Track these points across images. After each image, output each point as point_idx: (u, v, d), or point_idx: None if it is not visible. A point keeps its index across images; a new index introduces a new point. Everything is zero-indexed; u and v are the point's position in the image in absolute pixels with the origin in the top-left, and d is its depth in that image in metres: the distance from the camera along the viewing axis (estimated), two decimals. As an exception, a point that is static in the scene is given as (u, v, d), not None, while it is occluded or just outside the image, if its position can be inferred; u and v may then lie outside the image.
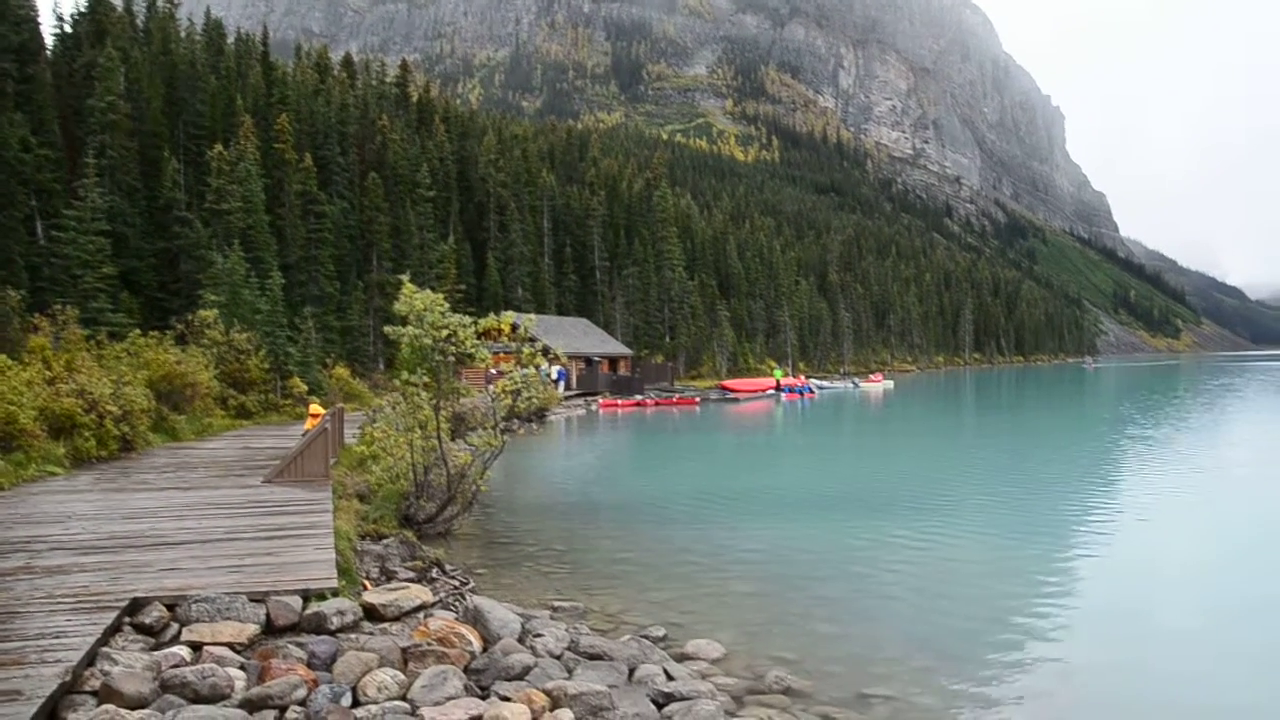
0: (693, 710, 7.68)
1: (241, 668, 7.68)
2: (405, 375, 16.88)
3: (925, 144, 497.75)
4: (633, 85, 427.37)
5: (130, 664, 7.29)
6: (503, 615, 9.78)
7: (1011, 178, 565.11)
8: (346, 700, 7.33)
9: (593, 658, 9.25)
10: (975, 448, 37.23)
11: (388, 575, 12.26)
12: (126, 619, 8.40)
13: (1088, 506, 20.91)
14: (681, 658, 9.87)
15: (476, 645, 8.95)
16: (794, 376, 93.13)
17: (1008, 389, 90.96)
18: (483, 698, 7.78)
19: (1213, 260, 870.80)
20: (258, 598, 8.94)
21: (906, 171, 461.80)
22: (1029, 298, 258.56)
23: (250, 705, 6.98)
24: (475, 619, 9.63)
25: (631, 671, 8.95)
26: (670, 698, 8.22)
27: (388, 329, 17.20)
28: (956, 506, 20.89)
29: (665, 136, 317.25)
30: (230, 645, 8.13)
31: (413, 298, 16.30)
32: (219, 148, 50.35)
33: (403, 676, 7.83)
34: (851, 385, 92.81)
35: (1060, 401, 69.71)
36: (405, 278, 18.11)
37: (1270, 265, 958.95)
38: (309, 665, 7.85)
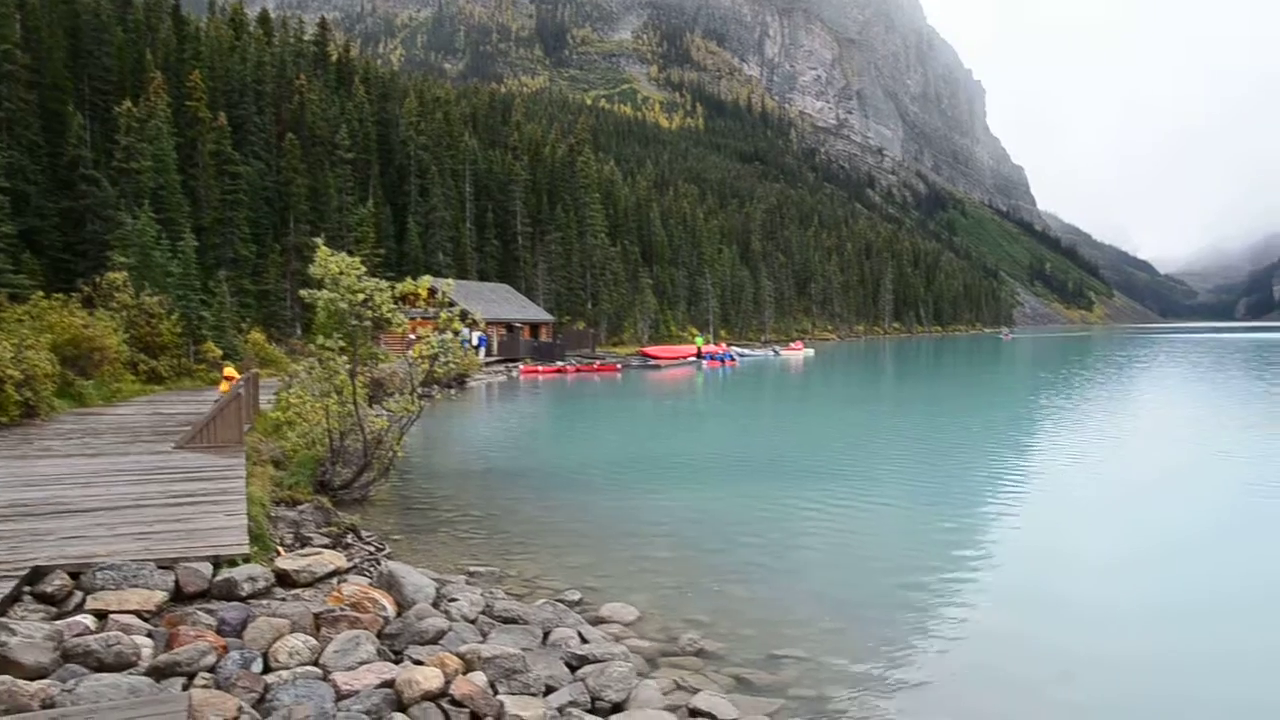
0: (606, 672, 7.79)
1: (149, 635, 7.57)
2: (321, 340, 16.66)
3: (849, 114, 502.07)
4: (557, 49, 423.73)
5: (30, 634, 7.14)
6: (418, 580, 9.79)
7: (933, 150, 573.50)
8: (257, 666, 7.30)
9: (508, 621, 9.32)
10: (892, 415, 37.91)
11: (302, 541, 12.15)
12: (26, 588, 8.22)
13: (999, 474, 21.46)
14: (596, 621, 9.97)
15: (391, 610, 8.96)
16: (716, 344, 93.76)
17: (925, 358, 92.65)
18: (396, 662, 7.80)
19: (1124, 235, 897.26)
20: (166, 565, 8.81)
21: (830, 141, 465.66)
22: (948, 269, 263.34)
23: (157, 673, 6.91)
24: (390, 584, 9.63)
25: (546, 635, 9.04)
26: (584, 660, 8.32)
27: (304, 293, 16.95)
28: (871, 473, 21.30)
29: (589, 102, 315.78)
30: (137, 613, 8.00)
31: (328, 261, 16.07)
32: (127, 104, 48.76)
33: (315, 642, 7.80)
34: (772, 353, 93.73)
35: (977, 371, 71.21)
36: (321, 241, 17.85)
37: (1178, 241, 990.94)
38: (219, 632, 7.78)
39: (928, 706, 8.07)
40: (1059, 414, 35.30)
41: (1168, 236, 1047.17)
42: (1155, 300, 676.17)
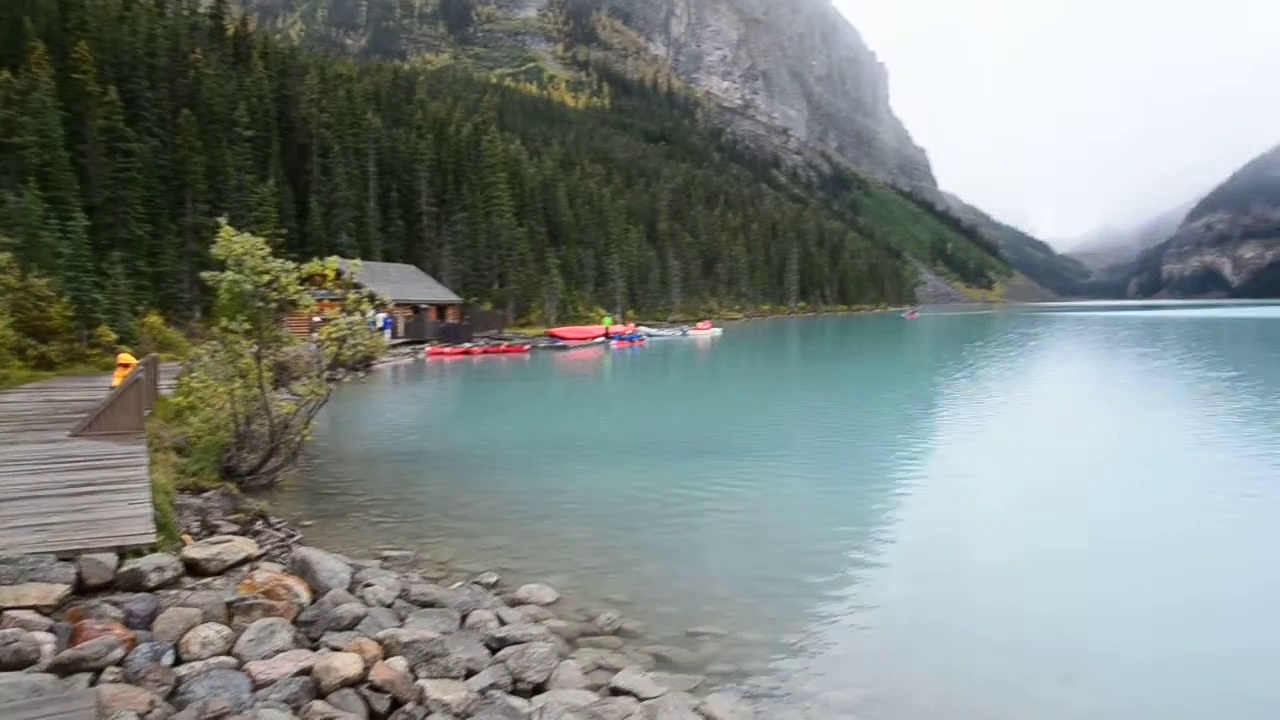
0: (526, 653, 7.80)
1: (50, 631, 7.34)
2: (225, 323, 16.25)
3: (754, 95, 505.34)
4: (462, 26, 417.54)
5: (-80, 634, 6.88)
6: (332, 566, 9.66)
7: (837, 131, 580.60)
8: (168, 658, 7.13)
9: (425, 605, 9.26)
10: (799, 393, 38.45)
11: (209, 529, 11.89)
12: (-85, 585, 7.91)
13: (906, 449, 21.95)
14: (514, 603, 9.98)
15: (305, 597, 8.83)
16: (624, 324, 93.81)
17: (831, 337, 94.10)
18: (313, 649, 7.70)
19: (1023, 216, 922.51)
20: (67, 557, 8.53)
21: (736, 122, 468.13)
22: (852, 248, 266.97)
23: (61, 669, 6.70)
24: (303, 570, 9.48)
25: (464, 618, 9.01)
26: (504, 642, 8.32)
27: (206, 274, 16.50)
28: (780, 450, 21.61)
29: (495, 80, 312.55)
30: (36, 608, 7.72)
31: (231, 242, 15.67)
32: (6, 74, 46.66)
33: (228, 631, 7.66)
34: (680, 333, 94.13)
35: (882, 350, 72.57)
36: (223, 220, 17.38)
37: (1074, 222, 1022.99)
38: (126, 624, 7.58)
39: (843, 677, 8.26)
40: (962, 391, 36.19)
41: (1064, 218, 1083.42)
42: (1052, 279, 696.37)
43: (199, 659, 7.20)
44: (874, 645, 9.18)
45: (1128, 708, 7.88)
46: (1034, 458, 20.57)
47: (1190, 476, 17.59)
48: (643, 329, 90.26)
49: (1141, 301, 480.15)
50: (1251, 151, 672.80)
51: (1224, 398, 30.82)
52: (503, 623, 8.94)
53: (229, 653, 7.38)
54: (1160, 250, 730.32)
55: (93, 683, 6.67)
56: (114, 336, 32.94)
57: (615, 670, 8.02)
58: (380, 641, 7.67)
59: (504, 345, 67.37)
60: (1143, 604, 10.47)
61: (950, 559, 12.42)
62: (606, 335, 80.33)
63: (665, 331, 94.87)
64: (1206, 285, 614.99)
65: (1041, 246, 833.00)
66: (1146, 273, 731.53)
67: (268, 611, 8.11)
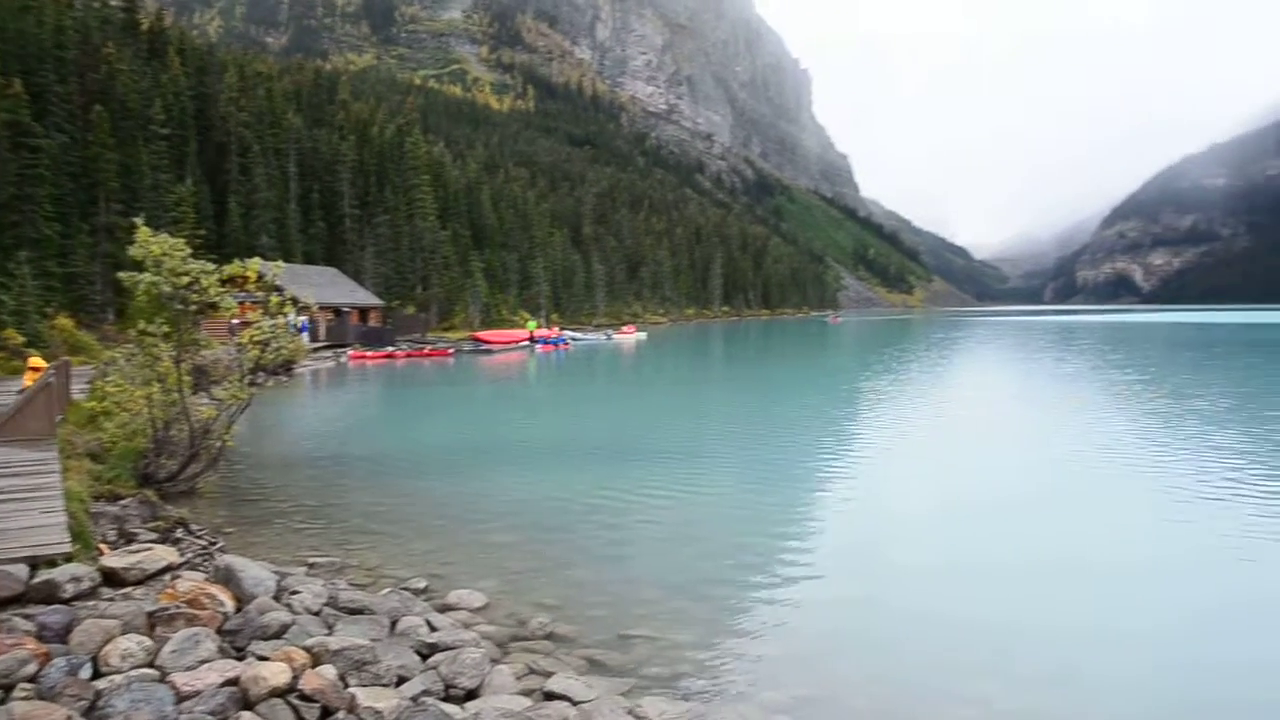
0: (458, 659, 7.70)
1: (-43, 646, 7.05)
2: (142, 325, 15.83)
3: (679, 100, 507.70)
4: (385, 27, 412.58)
5: None
6: (257, 573, 9.45)
7: (761, 137, 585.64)
8: (86, 672, 6.90)
9: (353, 612, 9.11)
10: (724, 397, 38.68)
11: (127, 538, 11.56)
12: None
13: (831, 452, 22.18)
14: (444, 608, 9.86)
15: (230, 605, 8.61)
16: (548, 328, 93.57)
17: (755, 341, 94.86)
18: (239, 659, 7.51)
19: (943, 222, 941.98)
20: (-25, 568, 8.22)
21: (660, 126, 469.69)
22: (776, 253, 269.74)
23: (-30, 686, 6.45)
24: (227, 578, 9.25)
25: (394, 624, 8.87)
26: (434, 648, 8.21)
27: (123, 275, 16.06)
28: (707, 453, 21.71)
29: (419, 81, 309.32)
30: (-59, 623, 7.44)
31: (150, 242, 15.28)
32: (-105, 64, 44.95)
33: (150, 642, 7.43)
34: (605, 337, 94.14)
35: (806, 353, 73.35)
36: (140, 221, 16.94)
37: (992, 228, 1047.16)
38: (39, 638, 7.32)
39: (776, 678, 8.30)
40: (885, 395, 36.73)
41: (983, 225, 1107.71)
42: (971, 284, 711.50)
43: (119, 672, 6.98)
44: (805, 646, 9.25)
45: (1052, 705, 8.03)
46: (957, 460, 20.93)
47: (1107, 479, 18.04)
48: (567, 333, 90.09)
49: (1057, 306, 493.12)
50: (1160, 163, 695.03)
51: (1136, 400, 31.72)
52: (433, 629, 8.82)
53: (151, 665, 7.17)
54: (1075, 257, 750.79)
55: (2, 701, 6.42)
56: (21, 339, 31.95)
57: (548, 675, 7.96)
58: (309, 650, 7.52)
59: (427, 349, 66.74)
60: (1065, 603, 10.71)
61: (878, 560, 12.58)
62: (531, 339, 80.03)
63: (590, 335, 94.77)
64: (1119, 291, 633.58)
65: (961, 252, 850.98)
66: (1062, 278, 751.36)
67: (191, 621, 7.90)
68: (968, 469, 19.54)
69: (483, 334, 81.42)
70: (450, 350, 67.32)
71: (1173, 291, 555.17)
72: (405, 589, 10.41)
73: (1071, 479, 18.01)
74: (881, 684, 8.32)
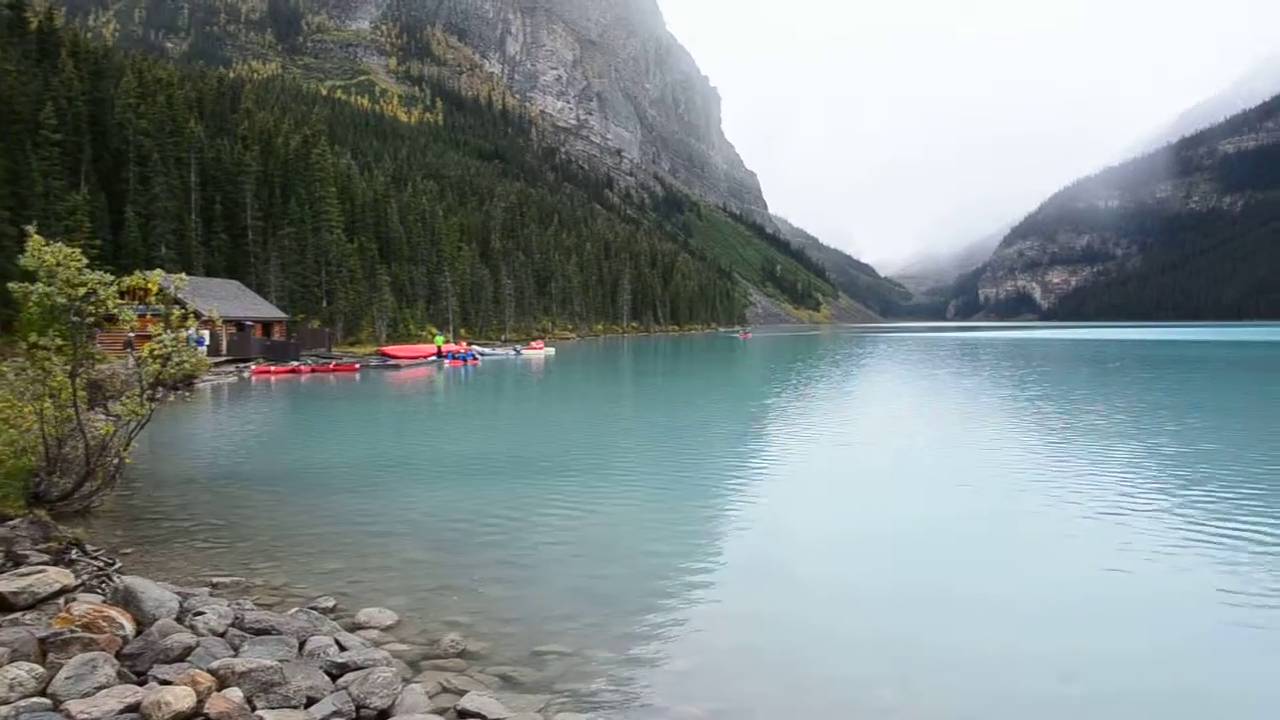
0: (369, 679, 7.58)
1: None
2: (34, 338, 15.29)
3: (589, 115, 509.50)
4: (290, 35, 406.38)
5: None
6: (158, 595, 9.17)
7: (670, 153, 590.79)
8: (-28, 702, 6.63)
9: (260, 633, 8.89)
10: (634, 412, 38.80)
11: (16, 560, 11.11)
12: None
13: (741, 465, 22.39)
14: (354, 627, 9.69)
15: (129, 629, 8.35)
16: (456, 343, 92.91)
17: (664, 357, 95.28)
18: (140, 684, 7.28)
19: (849, 240, 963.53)
20: None
21: (570, 141, 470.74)
22: (684, 269, 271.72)
23: None
24: (126, 600, 8.97)
25: (302, 644, 8.69)
26: (344, 668, 8.07)
27: (12, 286, 15.49)
28: (618, 468, 21.74)
29: (325, 92, 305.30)
30: None
31: (42, 251, 14.77)
32: None
33: (41, 670, 7.16)
34: (514, 352, 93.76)
35: (715, 369, 73.90)
36: (32, 229, 16.38)
37: (897, 246, 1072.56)
38: (-81, 668, 7.01)
39: (690, 691, 8.34)
40: (792, 409, 37.22)
41: (888, 242, 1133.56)
42: (877, 301, 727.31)
43: (6, 701, 6.71)
44: (719, 659, 9.32)
45: (964, 711, 8.22)
46: (862, 476, 21.26)
47: (1003, 494, 18.51)
48: (476, 348, 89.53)
49: (959, 323, 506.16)
50: (1057, 183, 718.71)
51: (1034, 415, 32.66)
52: (343, 648, 8.65)
53: (43, 693, 6.91)
54: (977, 275, 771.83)
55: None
56: (-97, 353, 30.57)
57: (461, 693, 7.88)
58: (214, 672, 7.33)
59: (333, 364, 65.72)
60: (964, 615, 10.95)
61: (786, 575, 12.71)
62: (439, 354, 79.32)
63: (498, 351, 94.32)
64: (1019, 308, 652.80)
65: (867, 269, 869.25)
66: (964, 296, 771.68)
67: (87, 646, 7.64)
68: (872, 484, 19.87)
69: (390, 349, 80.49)
70: (356, 365, 66.38)
71: (1070, 309, 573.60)
72: (313, 608, 10.20)
73: (971, 494, 18.47)
74: (793, 696, 8.41)
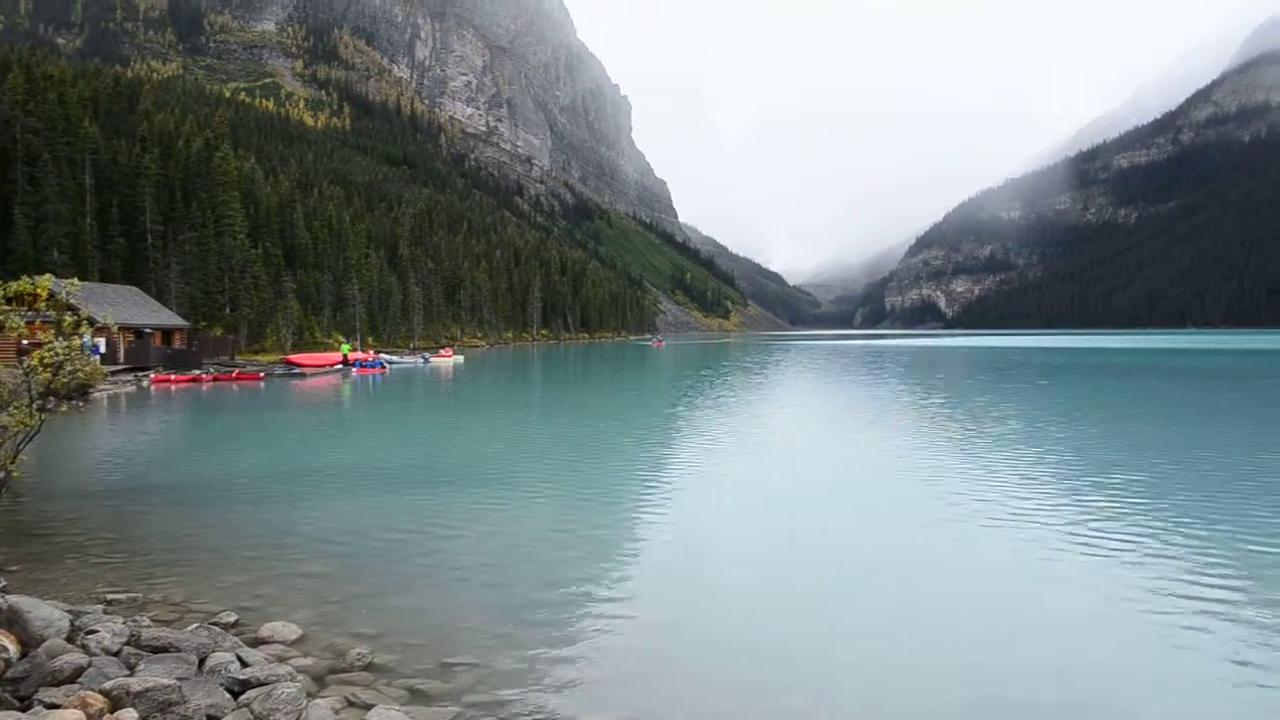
0: (272, 695, 7.45)
1: None
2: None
3: (499, 122, 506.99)
4: (192, 35, 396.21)
5: None
6: (46, 613, 8.88)
7: (580, 161, 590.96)
8: None
9: (157, 650, 8.66)
10: (543, 421, 38.66)
11: (-106, 579, 10.68)
12: None
13: (648, 475, 22.45)
14: (256, 642, 9.50)
15: (13, 650, 8.06)
16: (364, 351, 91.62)
17: (574, 365, 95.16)
18: (24, 709, 7.04)
19: (758, 248, 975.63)
20: None
21: (480, 148, 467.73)
22: (594, 277, 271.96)
23: None
24: (11, 620, 8.65)
25: (202, 661, 8.49)
26: (247, 684, 7.91)
27: (-106, 293, 14.87)
28: (526, 478, 21.64)
29: (228, 94, 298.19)
30: None
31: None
32: None
33: (-89, 703, 6.90)
34: (422, 361, 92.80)
35: (625, 377, 74.00)
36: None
37: (804, 255, 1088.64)
38: None
39: (600, 699, 8.38)
40: (702, 417, 37.46)
41: (796, 251, 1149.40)
42: (786, 309, 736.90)
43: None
44: (629, 667, 9.35)
45: (870, 713, 8.38)
46: (769, 483, 21.48)
47: (911, 498, 18.92)
48: (384, 356, 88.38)
49: (867, 331, 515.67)
50: (961, 195, 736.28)
51: (936, 420, 33.40)
52: (245, 664, 8.48)
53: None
54: (883, 283, 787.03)
55: None
56: None
57: (368, 707, 7.80)
58: (107, 693, 7.12)
59: (236, 372, 64.24)
60: (871, 621, 11.16)
61: (695, 582, 12.78)
62: (345, 362, 78.07)
63: (407, 359, 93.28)
64: (924, 316, 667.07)
65: (775, 278, 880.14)
66: (871, 304, 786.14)
67: (-36, 672, 7.37)
68: (781, 494, 20.08)
69: (295, 357, 78.95)
70: (261, 374, 65.01)
71: (974, 317, 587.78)
72: (214, 624, 9.98)
73: (877, 503, 18.81)
74: (702, 703, 8.49)
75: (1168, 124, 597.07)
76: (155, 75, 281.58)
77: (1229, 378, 60.63)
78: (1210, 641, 9.96)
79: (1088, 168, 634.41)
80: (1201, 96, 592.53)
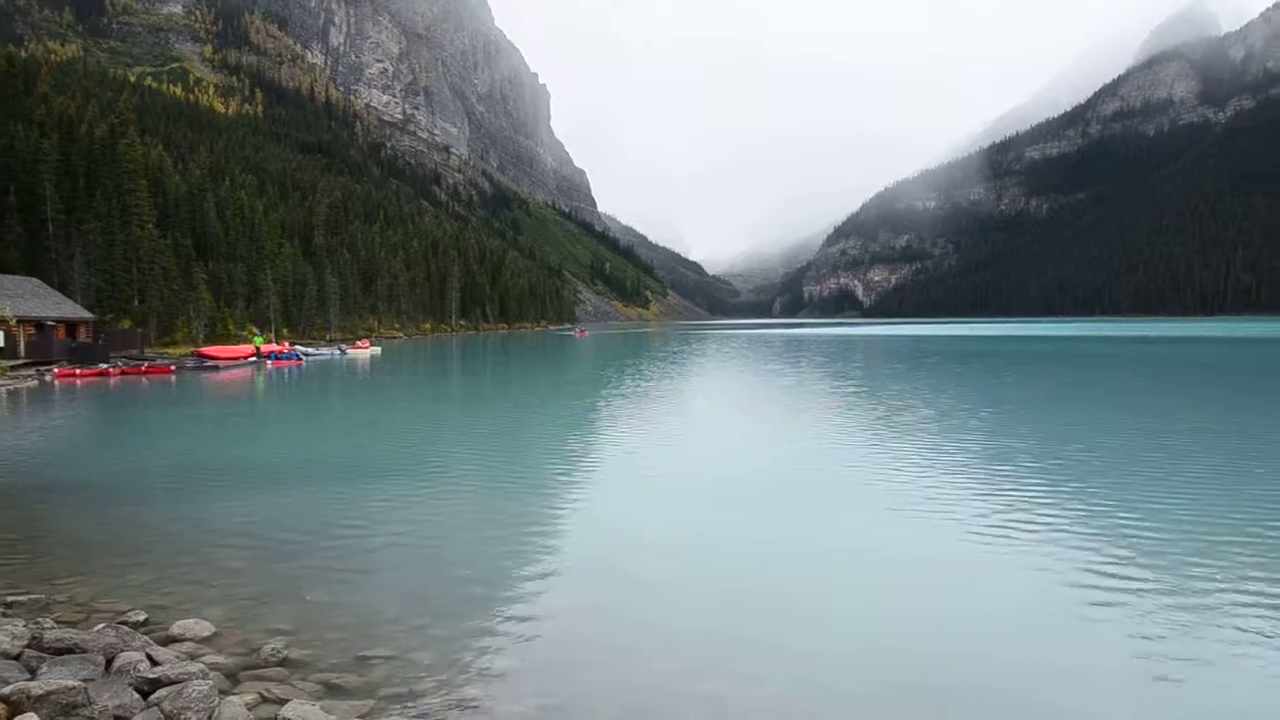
0: (184, 693, 7.34)
1: None
2: None
3: (416, 110, 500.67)
4: (93, 15, 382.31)
5: None
6: (-58, 619, 8.63)
7: (499, 150, 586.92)
8: None
9: (61, 653, 8.47)
10: (460, 412, 38.43)
11: None
12: None
13: (566, 466, 22.49)
14: (167, 641, 9.36)
15: (-94, 658, 7.82)
16: (279, 343, 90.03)
17: (494, 355, 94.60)
18: (-81, 717, 6.85)
19: (678, 238, 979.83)
20: None
21: (396, 136, 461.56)
22: (514, 267, 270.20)
23: None
24: (-95, 626, 8.40)
25: (110, 661, 8.33)
26: (157, 683, 7.78)
27: None
28: (443, 469, 21.53)
29: (133, 79, 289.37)
30: None
31: None
32: None
33: None
34: (339, 352, 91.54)
35: (544, 367, 73.78)
36: None
37: (723, 244, 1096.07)
38: None
39: (517, 689, 8.42)
40: (621, 406, 37.57)
41: (716, 241, 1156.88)
42: (705, 298, 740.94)
43: None
44: (547, 656, 9.40)
45: (787, 698, 8.53)
46: (687, 471, 21.65)
47: (828, 485, 19.24)
48: (299, 348, 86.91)
49: (785, 320, 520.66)
50: (878, 185, 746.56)
51: (853, 409, 34.00)
52: (155, 663, 8.33)
53: None
54: (801, 273, 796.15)
55: None
56: None
57: (282, 702, 7.73)
58: (6, 699, 6.95)
59: (145, 365, 62.65)
60: (799, 605, 11.34)
61: (613, 571, 12.86)
62: (257, 354, 76.58)
63: (323, 351, 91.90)
64: (842, 305, 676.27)
65: (695, 267, 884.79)
66: (790, 293, 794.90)
67: None
68: (701, 483, 20.25)
69: (207, 349, 77.20)
70: (171, 367, 63.52)
71: (891, 305, 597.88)
72: (123, 623, 9.79)
73: (796, 490, 19.07)
74: (620, 689, 8.58)
75: (1077, 117, 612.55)
76: (54, 57, 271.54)
77: (1135, 364, 62.58)
78: (1120, 630, 10.31)
79: (1001, 159, 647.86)
80: (1108, 91, 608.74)
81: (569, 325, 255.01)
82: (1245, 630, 9.95)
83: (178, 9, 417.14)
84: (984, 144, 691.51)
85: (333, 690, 8.28)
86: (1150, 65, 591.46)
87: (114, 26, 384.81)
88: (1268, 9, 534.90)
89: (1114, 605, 10.85)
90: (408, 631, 9.89)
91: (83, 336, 69.42)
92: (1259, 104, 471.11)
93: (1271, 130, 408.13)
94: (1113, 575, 12.01)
